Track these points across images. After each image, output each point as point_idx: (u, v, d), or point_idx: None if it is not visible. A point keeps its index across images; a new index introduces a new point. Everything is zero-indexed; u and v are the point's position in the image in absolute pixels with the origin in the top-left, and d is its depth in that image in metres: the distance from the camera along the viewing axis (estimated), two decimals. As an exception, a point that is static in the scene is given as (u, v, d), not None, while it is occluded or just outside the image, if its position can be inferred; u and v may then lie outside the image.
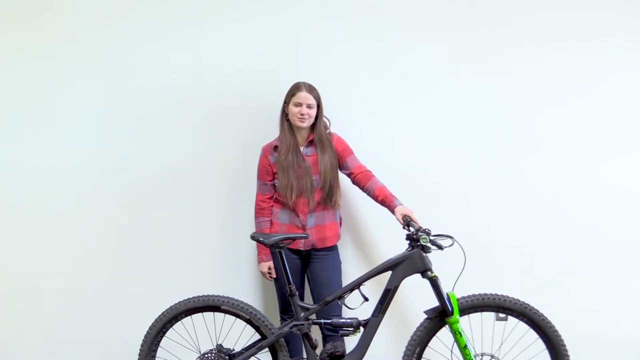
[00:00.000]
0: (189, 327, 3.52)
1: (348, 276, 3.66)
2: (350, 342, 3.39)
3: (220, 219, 3.99)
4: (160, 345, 3.37)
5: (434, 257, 3.12)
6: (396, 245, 3.29)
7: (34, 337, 4.02)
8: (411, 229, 3.19)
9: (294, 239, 3.33)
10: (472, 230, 3.80)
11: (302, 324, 3.19)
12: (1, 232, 4.01)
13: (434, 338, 3.18)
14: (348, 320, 3.20)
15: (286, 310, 3.61)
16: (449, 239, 3.14)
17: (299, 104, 3.52)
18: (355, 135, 3.79)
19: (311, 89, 3.55)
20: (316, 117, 3.58)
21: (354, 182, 3.65)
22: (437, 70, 3.95)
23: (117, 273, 4.01)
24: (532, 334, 3.15)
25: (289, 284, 3.22)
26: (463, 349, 3.09)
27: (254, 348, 3.25)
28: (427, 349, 3.18)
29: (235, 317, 3.34)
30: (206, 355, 3.31)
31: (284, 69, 3.94)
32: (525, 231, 3.91)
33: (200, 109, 3.99)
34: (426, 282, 3.10)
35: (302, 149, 3.62)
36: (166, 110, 4.00)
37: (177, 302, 3.32)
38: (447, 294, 3.10)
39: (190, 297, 3.33)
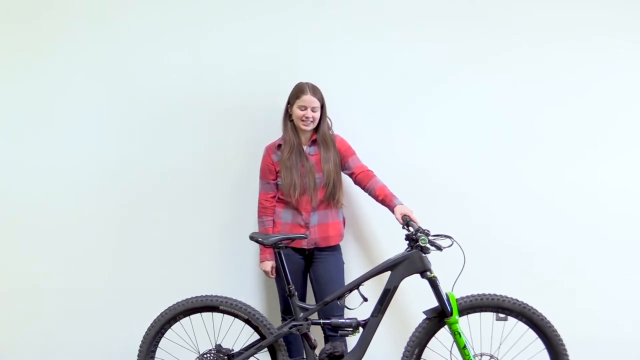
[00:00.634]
0: (188, 328, 3.52)
1: (350, 276, 3.66)
2: (351, 342, 3.39)
3: (220, 219, 3.99)
4: (159, 345, 3.37)
5: (434, 257, 3.12)
6: (398, 245, 3.28)
7: (34, 337, 4.01)
8: (410, 229, 3.19)
9: (293, 239, 3.33)
10: (472, 230, 3.81)
11: (301, 324, 3.19)
12: (1, 232, 4.01)
13: (433, 339, 3.18)
14: (347, 321, 3.20)
15: (288, 310, 3.59)
16: (448, 239, 3.14)
17: (303, 107, 3.52)
18: (355, 135, 3.78)
19: (315, 91, 3.55)
20: (320, 117, 3.59)
21: (356, 182, 3.65)
22: (437, 71, 3.95)
23: (117, 273, 4.01)
24: (531, 334, 3.15)
25: (288, 284, 3.22)
26: (462, 349, 3.09)
27: (253, 348, 3.25)
28: (426, 349, 3.18)
29: (233, 317, 3.34)
30: (205, 356, 3.30)
31: (284, 69, 3.94)
32: (525, 231, 3.91)
33: (200, 109, 3.99)
34: (425, 282, 3.10)
35: (305, 148, 3.62)
36: (166, 110, 3.99)
37: (175, 302, 3.33)
38: (446, 295, 3.10)
39: (189, 297, 3.33)
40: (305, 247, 3.57)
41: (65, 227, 3.99)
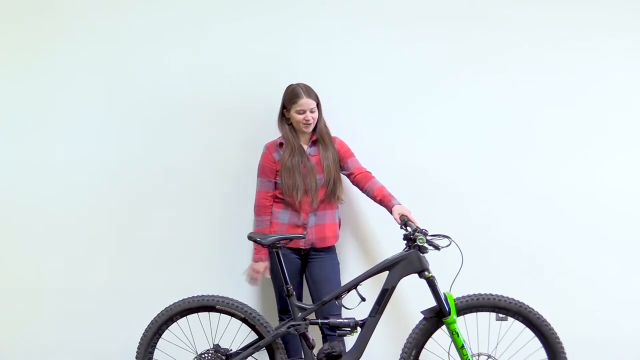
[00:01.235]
0: (186, 328, 3.53)
1: (348, 276, 3.65)
2: (349, 342, 3.38)
3: (217, 219, 3.99)
4: (157, 346, 3.37)
5: (433, 257, 3.12)
6: (396, 245, 3.28)
7: (33, 337, 4.01)
8: (408, 228, 3.19)
9: (291, 239, 3.33)
10: (472, 230, 3.81)
11: (299, 324, 3.20)
12: (1, 232, 4.01)
13: (431, 339, 3.18)
14: (345, 321, 3.20)
15: (285, 310, 3.60)
16: (446, 239, 3.14)
17: (302, 111, 3.52)
18: (355, 135, 3.79)
19: (309, 92, 3.54)
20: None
21: (354, 182, 3.65)
22: (437, 70, 3.95)
23: (116, 273, 4.01)
24: (529, 333, 3.16)
25: (286, 284, 3.22)
26: (460, 349, 3.09)
27: (251, 348, 3.26)
28: (424, 349, 3.18)
29: (230, 317, 3.35)
30: (203, 356, 3.31)
31: (284, 69, 3.93)
32: (525, 231, 3.90)
33: (200, 108, 3.99)
34: (423, 282, 3.10)
35: (306, 148, 3.62)
36: (166, 110, 3.99)
37: (172, 303, 3.34)
38: (444, 294, 3.10)
39: (185, 297, 3.34)
40: (302, 247, 3.57)
41: (65, 227, 3.99)
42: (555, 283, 3.88)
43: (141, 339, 3.34)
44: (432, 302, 3.12)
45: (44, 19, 4.00)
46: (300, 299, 3.62)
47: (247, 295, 3.89)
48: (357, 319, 3.20)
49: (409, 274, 3.14)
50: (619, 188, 3.86)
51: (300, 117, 3.52)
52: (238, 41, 3.99)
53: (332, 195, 3.59)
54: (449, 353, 3.22)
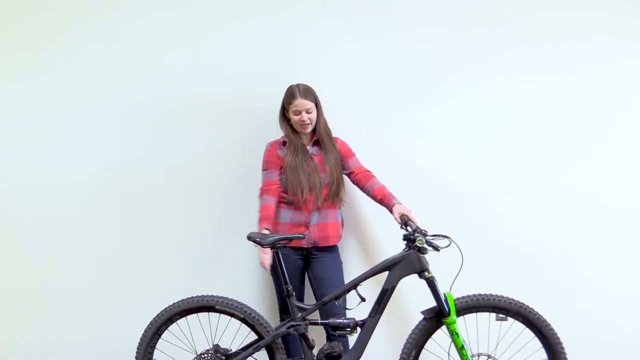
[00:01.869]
0: (185, 329, 3.53)
1: (350, 276, 3.64)
2: (350, 343, 3.38)
3: (217, 219, 3.99)
4: (156, 347, 3.37)
5: (433, 257, 3.12)
6: (397, 245, 3.27)
7: (33, 337, 4.02)
8: (408, 228, 3.20)
9: (291, 239, 3.32)
10: (472, 230, 3.81)
11: (299, 324, 3.20)
12: (1, 232, 4.01)
13: (431, 339, 3.18)
14: (345, 321, 3.20)
15: (286, 309, 3.58)
16: (445, 239, 3.14)
17: (297, 112, 3.53)
18: (355, 135, 3.79)
19: (306, 93, 3.54)
20: (317, 116, 3.60)
21: (354, 181, 3.66)
22: (437, 70, 3.95)
23: (117, 273, 4.01)
24: (529, 333, 3.16)
25: (286, 284, 3.22)
26: (460, 349, 3.09)
27: (250, 348, 3.25)
28: (423, 350, 3.18)
29: (230, 317, 3.35)
30: (203, 356, 3.30)
31: (284, 69, 3.94)
32: (525, 231, 3.90)
33: (200, 108, 3.99)
34: (423, 283, 3.10)
35: (308, 147, 3.63)
36: (166, 110, 4.00)
37: (171, 303, 3.34)
38: (444, 295, 3.10)
39: (185, 298, 3.34)
40: (305, 246, 3.57)
41: (65, 227, 3.99)
42: (555, 283, 3.87)
43: (141, 339, 3.33)
44: (432, 303, 3.12)
45: (44, 19, 4.01)
46: (301, 299, 3.62)
47: (247, 295, 3.88)
48: (357, 319, 3.20)
49: (409, 275, 3.13)
50: (619, 188, 3.86)
51: (297, 117, 3.53)
52: (238, 41, 3.99)
53: (334, 197, 3.59)
54: (448, 353, 3.22)
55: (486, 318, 3.33)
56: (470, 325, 3.38)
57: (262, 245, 3.24)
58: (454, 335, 3.09)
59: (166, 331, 3.36)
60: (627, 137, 3.87)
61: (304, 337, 3.21)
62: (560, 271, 3.88)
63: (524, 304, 3.12)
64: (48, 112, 4.00)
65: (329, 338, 3.52)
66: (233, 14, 4.00)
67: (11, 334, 4.02)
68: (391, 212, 3.41)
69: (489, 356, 3.23)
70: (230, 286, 3.85)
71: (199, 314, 3.38)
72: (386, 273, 3.17)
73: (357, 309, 3.20)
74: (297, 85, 3.57)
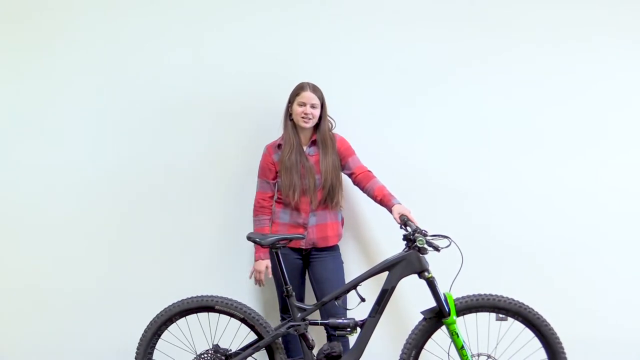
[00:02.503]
0: (185, 329, 3.53)
1: (350, 276, 3.64)
2: (350, 343, 3.38)
3: (216, 219, 3.99)
4: (156, 347, 3.37)
5: (433, 257, 3.11)
6: (397, 245, 3.27)
7: (33, 337, 4.01)
8: (408, 229, 3.19)
9: (290, 239, 3.33)
10: (472, 230, 3.81)
11: (299, 325, 3.19)
12: (1, 232, 4.01)
13: (430, 339, 3.18)
14: (345, 321, 3.20)
15: (287, 309, 3.58)
16: (445, 239, 3.14)
17: (302, 104, 3.53)
18: (355, 135, 3.78)
19: (315, 89, 3.56)
20: (320, 117, 3.59)
21: (355, 182, 3.65)
22: (437, 70, 3.96)
23: (115, 273, 4.00)
24: (529, 333, 3.16)
25: (286, 284, 3.22)
26: (460, 349, 3.09)
27: (250, 348, 3.25)
28: (423, 350, 3.18)
29: (230, 317, 3.35)
30: (202, 356, 3.30)
31: (284, 69, 3.95)
32: (525, 231, 3.90)
33: (201, 108, 3.99)
34: (423, 283, 3.10)
35: (305, 148, 3.62)
36: (166, 110, 3.99)
37: (171, 303, 3.34)
38: (444, 295, 3.10)
39: (184, 298, 3.34)
40: (303, 247, 3.57)
41: (64, 227, 3.99)
42: (555, 283, 3.88)
43: (140, 339, 3.33)
44: (431, 303, 3.12)
45: (44, 19, 4.01)
46: (301, 299, 3.62)
47: (247, 295, 3.90)
48: (357, 319, 3.20)
49: (409, 275, 3.13)
50: (619, 188, 3.86)
51: (300, 109, 3.53)
52: (238, 41, 3.99)
53: (329, 200, 3.59)
54: (448, 353, 3.22)
55: (486, 318, 3.33)
56: (470, 326, 3.37)
57: (261, 245, 3.25)
58: (453, 335, 3.09)
59: (166, 331, 3.36)
60: (627, 137, 3.88)
61: (303, 337, 3.21)
62: (560, 271, 3.89)
63: (523, 304, 3.12)
64: (48, 112, 3.99)
65: (329, 338, 3.52)
66: (233, 13, 4.00)
67: (11, 334, 4.01)
68: (391, 212, 3.40)
69: (488, 356, 3.23)
70: (230, 286, 3.85)
71: (198, 314, 3.38)
72: (386, 273, 3.17)
73: (357, 309, 3.21)
74: (308, 82, 3.59)
